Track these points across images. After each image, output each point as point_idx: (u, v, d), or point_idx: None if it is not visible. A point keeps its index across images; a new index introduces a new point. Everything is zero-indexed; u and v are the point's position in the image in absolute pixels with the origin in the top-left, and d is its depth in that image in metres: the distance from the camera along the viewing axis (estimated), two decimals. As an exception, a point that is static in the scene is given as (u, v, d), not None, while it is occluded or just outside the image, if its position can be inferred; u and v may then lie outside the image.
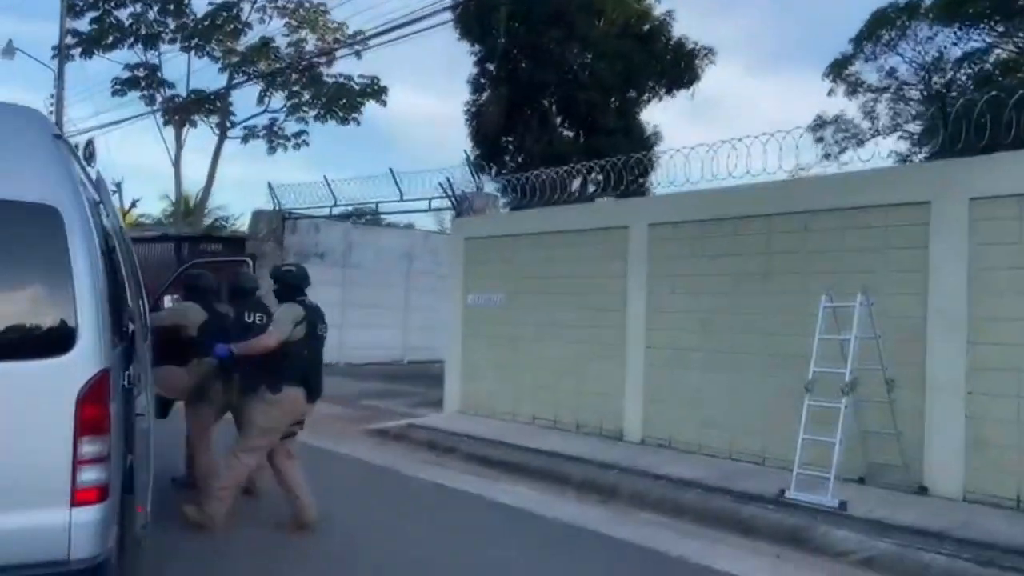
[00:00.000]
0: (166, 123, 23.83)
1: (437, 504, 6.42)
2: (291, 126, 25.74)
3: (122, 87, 22.65)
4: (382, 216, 17.48)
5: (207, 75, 38.90)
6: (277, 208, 16.84)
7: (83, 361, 3.00)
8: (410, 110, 58.15)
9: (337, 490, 6.55)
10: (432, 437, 9.36)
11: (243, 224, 34.90)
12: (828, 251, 7.35)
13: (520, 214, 10.72)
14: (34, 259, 3.05)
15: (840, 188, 7.52)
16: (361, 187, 15.13)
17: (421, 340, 20.18)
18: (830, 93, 27.63)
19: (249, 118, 24.55)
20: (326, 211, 16.48)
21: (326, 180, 15.50)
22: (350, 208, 16.33)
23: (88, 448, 2.97)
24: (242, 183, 54.54)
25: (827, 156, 29.69)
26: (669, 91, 24.98)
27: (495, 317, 10.74)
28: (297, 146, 26.46)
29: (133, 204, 23.53)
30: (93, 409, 3.00)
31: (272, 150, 26.41)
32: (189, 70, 22.67)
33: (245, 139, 25.83)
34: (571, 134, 25.64)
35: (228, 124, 23.89)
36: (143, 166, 51.75)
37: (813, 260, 7.44)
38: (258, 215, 16.83)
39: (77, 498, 2.95)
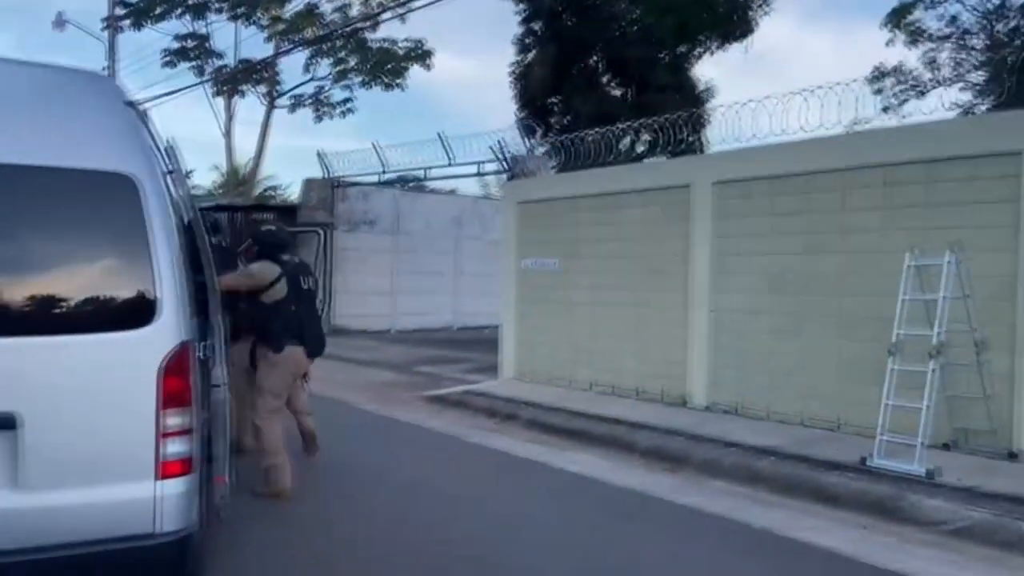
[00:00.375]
0: (216, 94, 23.91)
1: (507, 473, 6.27)
2: (337, 94, 25.67)
3: (172, 58, 22.74)
4: (425, 183, 17.27)
5: (255, 44, 39.00)
6: (327, 176, 16.78)
7: (164, 333, 2.95)
8: (453, 75, 57.68)
9: (408, 460, 6.48)
10: (491, 404, 9.24)
11: (292, 194, 35.24)
12: (909, 206, 6.93)
13: (575, 175, 10.42)
14: (111, 230, 2.97)
15: (922, 139, 7.05)
16: (410, 153, 14.98)
17: (471, 306, 20.10)
18: (889, 43, 26.41)
19: (296, 87, 24.52)
20: (375, 178, 16.36)
21: (375, 146, 15.39)
22: (399, 175, 16.16)
23: (172, 421, 2.94)
24: (288, 154, 54.86)
25: (886, 109, 28.53)
26: (722, 44, 24.15)
27: (550, 282, 10.52)
28: (343, 114, 26.37)
29: (187, 175, 23.70)
30: (175, 381, 2.96)
31: (319, 118, 26.38)
32: (237, 39, 22.66)
33: (293, 108, 25.83)
34: (619, 93, 25.06)
35: (275, 93, 23.87)
36: (194, 138, 52.31)
37: (893, 216, 7.03)
38: (309, 184, 16.80)
39: (162, 471, 2.91)
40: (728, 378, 8.37)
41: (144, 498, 2.88)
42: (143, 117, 3.36)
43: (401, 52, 22.68)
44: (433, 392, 10.22)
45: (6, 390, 2.76)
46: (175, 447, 2.94)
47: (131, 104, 3.20)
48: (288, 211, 19.12)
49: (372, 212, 17.90)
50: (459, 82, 62.26)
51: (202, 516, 3.21)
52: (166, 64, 22.98)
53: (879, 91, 28.19)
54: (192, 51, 22.99)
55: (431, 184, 21.76)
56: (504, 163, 11.74)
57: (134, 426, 2.89)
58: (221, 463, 3.44)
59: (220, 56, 23.41)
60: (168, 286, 2.95)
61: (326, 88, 25.39)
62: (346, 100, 25.73)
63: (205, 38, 22.76)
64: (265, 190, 30.56)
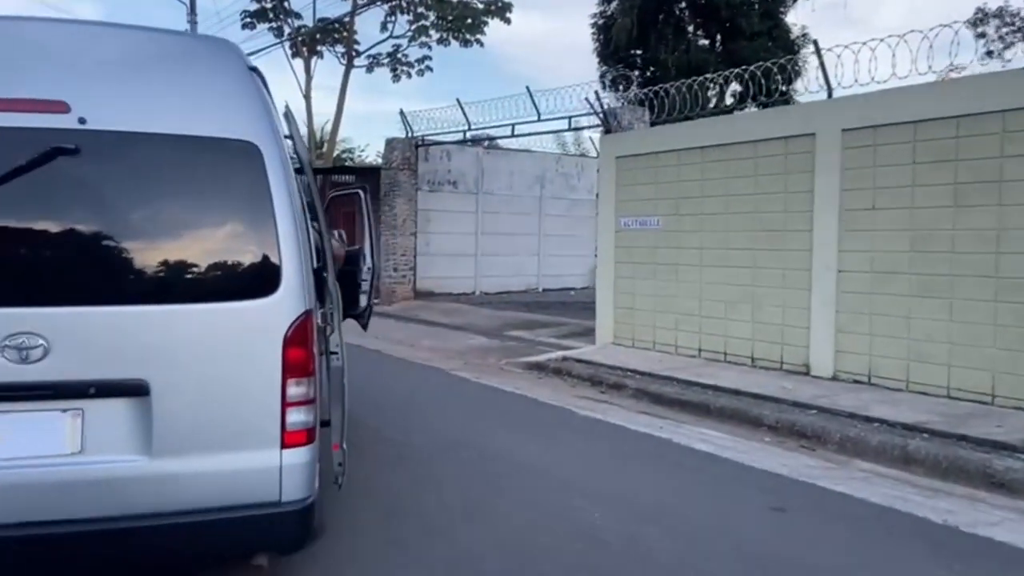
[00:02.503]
0: (294, 55, 23.73)
1: (631, 451, 5.74)
2: (414, 52, 25.18)
3: (251, 19, 22.59)
4: (512, 138, 16.69)
5: (332, 6, 38.74)
6: (409, 136, 16.38)
7: (288, 302, 2.90)
8: (521, 36, 56.46)
9: (525, 438, 6.04)
10: (594, 372, 8.74)
11: (367, 156, 35.19)
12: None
13: (680, 126, 9.68)
14: (236, 198, 2.92)
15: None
16: (494, 110, 14.39)
17: (555, 268, 19.61)
18: None
19: (374, 45, 24.11)
20: (456, 137, 15.86)
21: (459, 103, 14.84)
22: (483, 132, 15.62)
23: (295, 390, 2.91)
24: (358, 117, 54.98)
25: (989, 53, 26.54)
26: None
27: (652, 241, 9.88)
28: (420, 72, 25.84)
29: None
30: (299, 351, 2.92)
31: (396, 78, 25.94)
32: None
33: (370, 68, 25.45)
34: (707, 42, 23.80)
35: (354, 53, 23.54)
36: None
37: (1066, 162, 6.14)
38: (391, 144, 16.43)
39: (287, 440, 2.90)
40: (857, 345, 7.64)
41: (269, 467, 2.88)
42: (264, 83, 3.21)
43: (481, 7, 21.94)
44: (530, 359, 9.78)
45: (138, 358, 2.78)
46: (298, 416, 2.92)
47: (254, 70, 3.11)
48: (370, 172, 18.89)
49: (454, 172, 17.45)
50: (526, 43, 61.01)
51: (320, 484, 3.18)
52: (245, 26, 22.86)
53: (982, 35, 26.20)
54: (271, 11, 22.78)
55: (513, 141, 21.30)
56: (601, 116, 11.05)
57: (259, 395, 2.88)
58: (337, 431, 3.35)
59: (298, 16, 23.16)
60: (291, 255, 2.90)
61: (403, 47, 24.96)
62: (424, 58, 25.27)
63: (283, -3, 22.51)
64: (340, 153, 30.55)
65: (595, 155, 25.63)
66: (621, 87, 19.05)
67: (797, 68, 22.70)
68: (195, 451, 2.81)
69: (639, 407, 7.36)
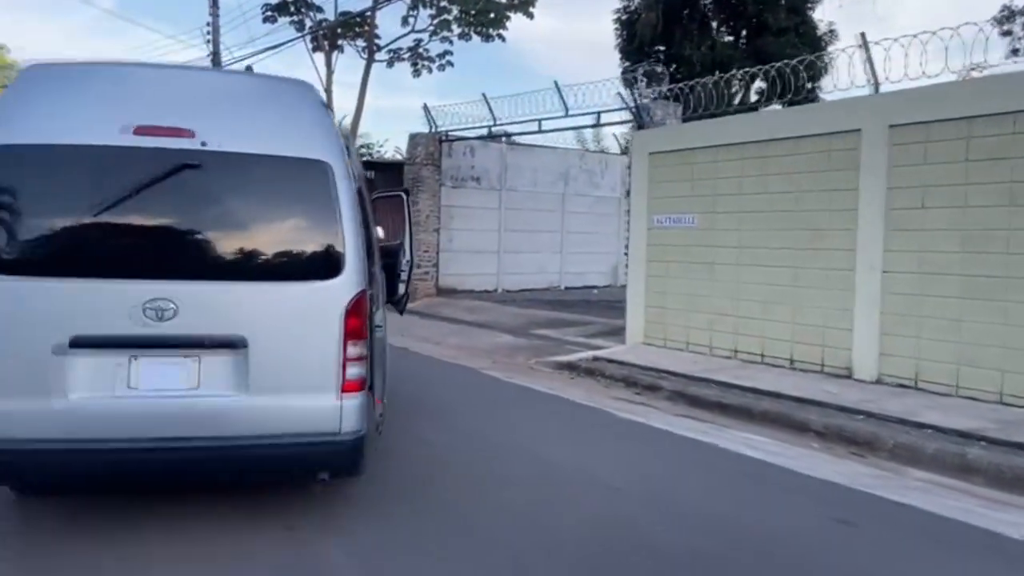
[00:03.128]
0: (315, 49, 23.63)
1: (680, 458, 5.55)
2: (435, 47, 25.03)
3: (272, 13, 22.49)
4: (513, 136, 16.44)
5: (353, 1, 38.62)
6: (433, 131, 16.21)
7: (348, 284, 3.80)
8: (540, 32, 56.14)
9: (567, 441, 5.87)
10: (627, 373, 8.55)
11: (386, 152, 35.08)
12: None
13: (717, 122, 9.47)
14: (312, 203, 3.81)
15: None
16: (519, 105, 14.20)
17: (578, 265, 19.41)
18: None
19: (395, 40, 23.96)
20: (478, 132, 15.68)
21: (484, 97, 14.67)
22: (505, 128, 15.41)
23: (352, 350, 3.79)
24: (376, 112, 54.95)
25: (1015, 51, 26.07)
26: (846, -19, 22.32)
27: (686, 239, 9.67)
28: (441, 67, 25.69)
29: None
30: (356, 321, 3.80)
31: (416, 73, 25.77)
32: (336, -6, 22.14)
33: (390, 63, 25.31)
34: (732, 38, 23.49)
35: (375, 47, 23.41)
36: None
37: None
38: (414, 139, 16.28)
39: (345, 388, 3.77)
40: (903, 348, 7.42)
41: (331, 407, 3.76)
42: (331, 112, 4.19)
43: (504, 1, 21.74)
44: (560, 358, 9.61)
45: (240, 320, 3.70)
46: (353, 370, 3.80)
47: (325, 105, 4.11)
48: (392, 167, 18.75)
49: (478, 167, 17.28)
50: (542, 39, 60.61)
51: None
52: (267, 19, 22.76)
53: (1007, 33, 25.74)
54: (292, 5, 22.67)
55: (536, 137, 21.10)
56: (634, 111, 10.84)
57: (325, 353, 3.76)
58: (379, 388, 4.32)
59: (320, 10, 23.03)
60: (351, 247, 3.81)
61: (424, 41, 24.81)
62: (445, 53, 25.11)
63: (305, -9, 22.38)
64: (359, 148, 30.45)
65: (617, 152, 25.39)
66: (652, 82, 18.83)
67: (823, 65, 22.40)
68: (278, 392, 3.72)
69: (677, 410, 7.16)
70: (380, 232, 5.94)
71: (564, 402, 7.27)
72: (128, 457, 3.61)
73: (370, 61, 23.89)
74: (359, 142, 30.12)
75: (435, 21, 22.47)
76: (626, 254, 11.93)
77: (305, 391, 3.75)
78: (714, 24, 22.65)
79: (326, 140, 3.88)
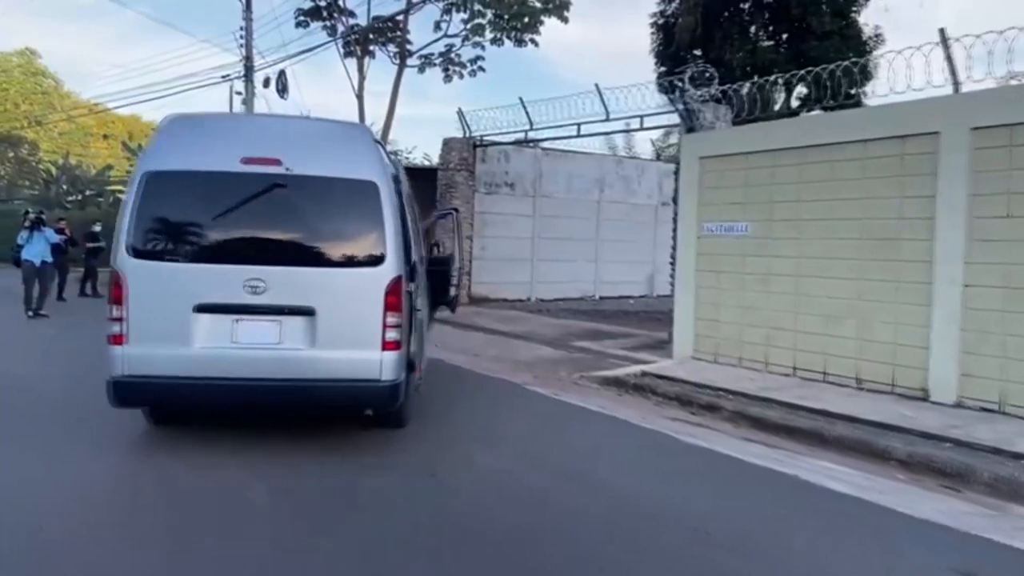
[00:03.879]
0: (346, 54, 23.40)
1: (760, 491, 4.96)
2: (467, 52, 24.71)
3: (305, 18, 22.28)
4: (538, 142, 15.93)
5: (385, 5, 38.44)
6: (467, 136, 15.80)
7: (389, 270, 5.28)
8: (566, 40, 55.66)
9: (631, 468, 5.38)
10: (680, 390, 8.03)
11: (415, 158, 34.83)
12: None
13: (775, 125, 8.94)
14: (364, 212, 5.33)
15: None
16: (558, 108, 13.74)
17: (613, 274, 18.90)
18: None
19: (427, 45, 23.70)
20: (518, 137, 15.24)
21: (521, 101, 14.26)
22: (540, 134, 14.95)
23: (391, 319, 5.23)
24: (400, 120, 54.86)
25: None
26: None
27: (739, 248, 9.14)
28: (473, 72, 25.36)
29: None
30: (394, 297, 5.28)
31: (448, 78, 25.47)
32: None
33: (422, 68, 25.03)
34: (772, 43, 22.84)
35: (406, 52, 23.13)
36: (325, 102, 53.22)
37: None
38: (448, 144, 15.88)
39: (384, 347, 5.20)
40: (986, 368, 6.83)
41: (375, 360, 5.19)
42: (382, 145, 5.88)
43: (538, 4, 21.34)
44: (605, 373, 9.10)
45: (310, 295, 5.20)
46: (391, 334, 5.23)
47: (377, 141, 5.73)
48: (425, 173, 18.40)
49: (512, 173, 16.86)
50: (565, 47, 60.19)
51: (407, 385, 5.54)
52: (299, 24, 22.56)
53: None
54: (324, 10, 22.46)
55: (569, 143, 20.62)
56: (684, 113, 10.33)
57: (371, 320, 5.21)
58: (418, 358, 5.98)
59: (352, 15, 22.80)
60: (391, 243, 5.31)
61: (456, 46, 24.49)
62: (477, 59, 24.77)
63: (337, -5, 22.16)
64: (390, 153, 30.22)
65: (649, 158, 24.81)
66: (700, 84, 18.22)
67: (868, 70, 21.66)
68: (337, 347, 5.19)
69: (740, 432, 6.63)
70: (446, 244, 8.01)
71: (618, 423, 6.75)
72: (231, 390, 5.19)
73: (402, 66, 23.60)
74: (388, 148, 29.92)
75: (468, 26, 22.14)
76: (670, 263, 11.43)
77: (356, 347, 5.23)
78: (755, 27, 22.02)
79: (375, 166, 5.46)
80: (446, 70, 25.34)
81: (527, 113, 14.20)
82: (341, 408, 5.70)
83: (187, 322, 5.16)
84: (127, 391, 5.23)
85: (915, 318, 7.35)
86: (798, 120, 8.68)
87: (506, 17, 21.09)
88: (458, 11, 21.49)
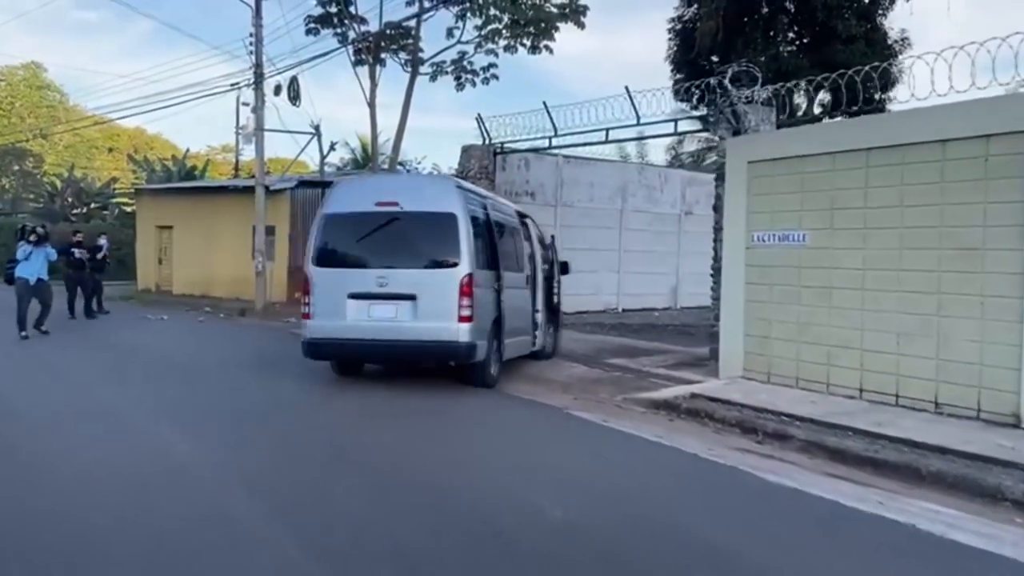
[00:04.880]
0: (357, 62, 22.83)
1: (870, 543, 4.19)
2: (479, 59, 24.14)
3: (315, 25, 21.74)
4: (577, 146, 15.32)
5: (397, 11, 37.89)
6: (487, 143, 15.16)
7: (462, 270, 8.17)
8: (570, 51, 55.07)
9: (715, 513, 4.69)
10: (739, 415, 7.32)
11: (424, 168, 34.25)
12: None
13: (834, 126, 8.30)
14: (448, 234, 8.22)
15: None
16: (583, 113, 13.06)
17: (636, 286, 18.21)
18: None
19: (439, 52, 23.12)
20: (541, 144, 14.57)
21: (545, 106, 13.58)
22: (568, 139, 14.29)
23: (463, 301, 8.08)
24: (410, 130, 54.37)
25: None
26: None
27: (795, 259, 8.45)
28: (486, 80, 24.79)
29: (332, 148, 22.83)
30: (466, 288, 8.11)
31: (460, 86, 24.92)
32: (382, 7, 21.31)
33: (434, 76, 24.47)
34: (793, 48, 22.22)
35: (419, 60, 22.53)
36: (335, 111, 52.82)
37: None
38: (468, 151, 15.22)
39: (459, 320, 8.09)
40: (1091, 393, 6.12)
41: (454, 327, 8.11)
42: (466, 190, 8.92)
43: (555, 11, 20.76)
44: (650, 395, 8.40)
45: (414, 287, 8.25)
46: (464, 311, 8.09)
47: (459, 185, 8.85)
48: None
49: (532, 182, 16.21)
50: (568, 58, 59.79)
51: (492, 353, 8.73)
52: (309, 31, 22.02)
53: None
54: (335, 16, 21.90)
55: (588, 150, 19.94)
56: (729, 116, 9.67)
57: (451, 302, 8.10)
58: (540, 329, 10.45)
59: (363, 21, 22.23)
60: (464, 253, 8.21)
61: (469, 54, 23.92)
62: (490, 66, 24.19)
63: (348, 1, 21.59)
64: (400, 163, 29.59)
65: (662, 165, 24.10)
66: (759, 82, 17.48)
67: (894, 76, 20.96)
68: (431, 319, 8.11)
69: (820, 466, 5.92)
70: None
71: (682, 455, 6.04)
72: (368, 346, 8.39)
73: (414, 74, 23.03)
74: (400, 157, 29.28)
75: (483, 32, 21.56)
76: (711, 275, 10.74)
77: (442, 319, 8.10)
78: (778, 32, 21.41)
79: (456, 204, 8.36)
80: (458, 78, 24.78)
81: (551, 118, 13.54)
82: (434, 359, 8.85)
83: (343, 304, 8.42)
84: (312, 347, 8.67)
85: (1005, 336, 6.64)
86: (863, 120, 8.01)
87: (522, 23, 20.52)
88: (473, 16, 20.90)
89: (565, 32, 21.88)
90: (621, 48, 66.66)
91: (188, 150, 43.29)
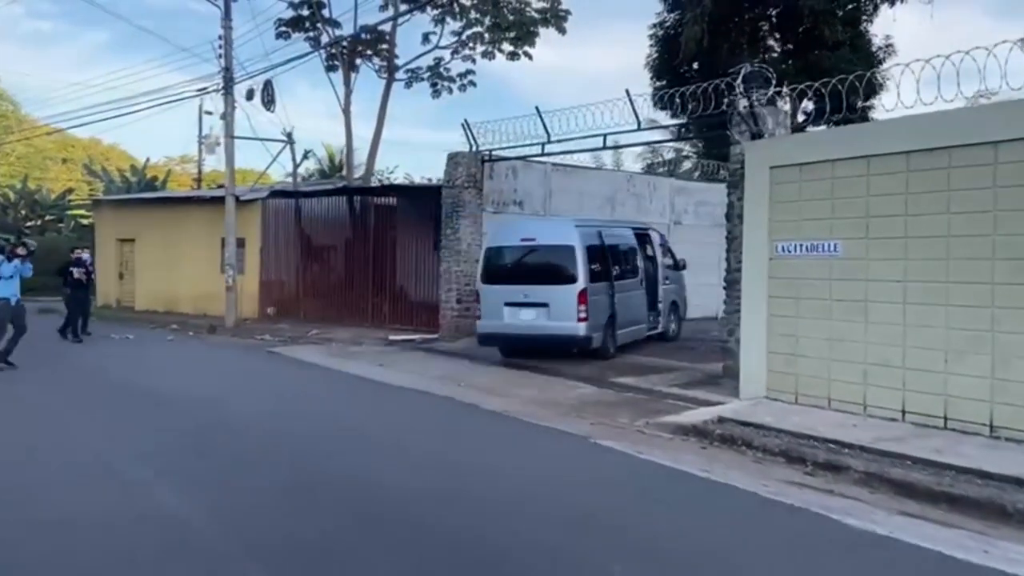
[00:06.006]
0: (329, 68, 21.99)
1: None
2: (456, 66, 23.50)
3: (286, 28, 20.86)
4: (569, 153, 14.68)
5: (371, 17, 37.02)
6: (475, 150, 14.45)
7: (579, 285, 11.34)
8: (537, 64, 54.66)
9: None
10: (780, 442, 6.69)
11: (396, 178, 33.40)
12: None
13: (869, 127, 7.80)
14: (569, 260, 11.47)
15: None
16: (575, 119, 12.41)
17: (625, 298, 17.56)
18: None
19: (415, 58, 22.42)
20: (533, 151, 13.91)
21: (538, 111, 12.94)
22: (560, 145, 13.64)
23: (580, 307, 11.31)
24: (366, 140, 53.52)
25: None
26: (899, -8, 20.84)
27: (826, 271, 7.89)
28: (463, 87, 24.21)
29: (306, 155, 21.90)
30: (583, 297, 11.31)
31: (436, 94, 24.31)
32: (356, 11, 20.52)
33: (409, 83, 23.81)
34: (778, 54, 21.95)
35: (394, 66, 21.77)
36: (301, 121, 51.64)
37: None
38: (454, 159, 14.48)
39: (578, 320, 11.32)
40: None
41: (574, 326, 11.38)
42: (582, 224, 12.33)
43: (537, 16, 20.17)
44: (673, 419, 7.77)
45: (546, 297, 11.60)
46: (581, 315, 11.32)
47: (578, 224, 12.16)
48: (427, 192, 17.04)
49: (520, 191, 15.52)
50: (532, 70, 59.27)
51: (608, 339, 12.02)
52: (280, 35, 21.14)
53: None
54: (307, 20, 21.05)
55: (576, 158, 19.33)
56: (749, 119, 9.10)
57: (572, 307, 11.33)
58: (664, 316, 14.14)
59: (337, 25, 21.42)
60: (580, 273, 11.39)
61: (445, 60, 23.26)
62: (467, 72, 23.55)
63: (321, 4, 20.77)
64: (375, 176, 28.70)
65: (634, 169, 23.59)
66: (773, 83, 16.97)
67: (880, 82, 20.66)
68: (559, 320, 11.48)
69: (884, 501, 5.31)
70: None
71: (743, 496, 5.36)
72: (518, 338, 11.84)
73: (390, 80, 22.30)
74: (361, 169, 28.37)
75: (463, 36, 20.91)
76: (724, 288, 10.17)
77: (566, 320, 11.28)
78: (764, 37, 21.11)
79: (574, 237, 11.48)
80: (434, 85, 24.13)
81: (544, 124, 12.89)
82: (562, 348, 11.67)
83: (501, 309, 11.74)
84: (483, 338, 12.21)
85: (1072, 353, 6.11)
86: (904, 120, 7.47)
87: (504, 26, 19.89)
88: (455, 19, 20.22)
89: (531, 47, 21.35)
90: (584, 63, 66.58)
91: (148, 160, 41.80)
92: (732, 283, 9.79)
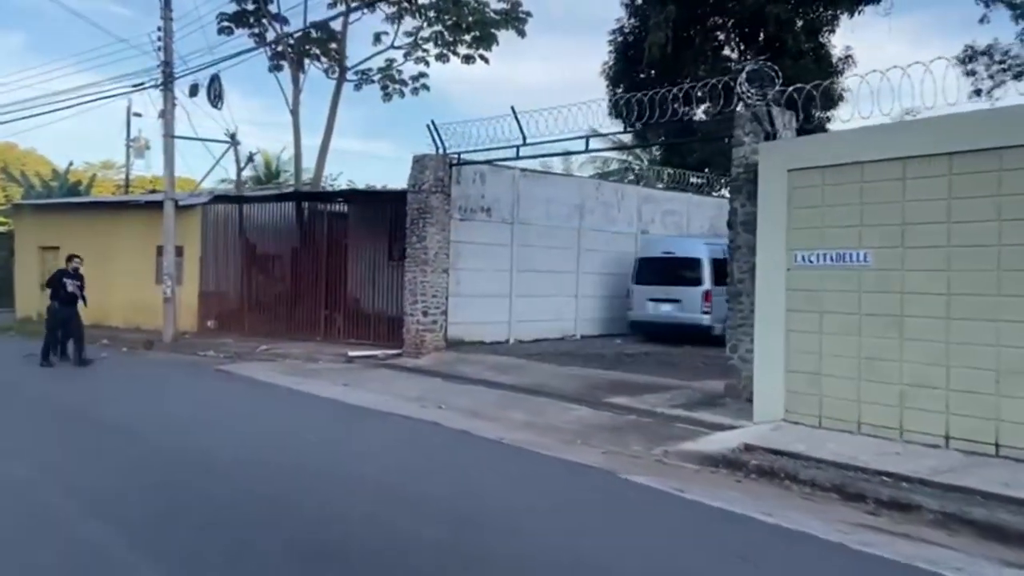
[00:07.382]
0: (274, 67, 20.74)
1: None
2: (409, 68, 22.54)
3: (228, 23, 19.55)
4: (499, 161, 13.92)
5: (320, 14, 35.51)
6: (442, 153, 13.50)
7: (704, 287, 14.92)
8: (472, 75, 54.08)
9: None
10: (829, 475, 5.98)
11: (340, 185, 32.06)
12: None
13: (900, 126, 7.20)
14: (697, 268, 15.15)
15: None
16: (554, 121, 11.61)
17: (592, 311, 16.90)
18: (983, 20, 23.57)
19: (365, 60, 21.36)
20: (506, 154, 13.06)
21: (513, 111, 12.07)
22: (535, 148, 12.85)
23: (704, 303, 15.01)
24: (307, 149, 51.90)
25: (978, 92, 25.31)
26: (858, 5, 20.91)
27: (854, 283, 7.26)
28: (415, 90, 23.27)
29: (250, 158, 20.51)
30: (707, 296, 14.80)
31: (387, 97, 23.29)
32: (306, 6, 19.38)
33: (358, 85, 22.72)
34: (745, 62, 21.72)
35: (346, 66, 20.66)
36: (245, 124, 49.59)
37: None
38: (421, 161, 13.47)
39: (703, 313, 14.88)
40: None
41: (701, 317, 14.95)
42: (708, 241, 15.61)
43: (496, 18, 19.39)
44: (694, 447, 7.02)
45: (680, 295, 15.25)
46: (705, 309, 14.85)
47: (706, 242, 15.65)
48: (389, 197, 16.01)
49: (488, 197, 14.64)
50: (462, 81, 58.52)
51: (727, 330, 9.82)
52: (222, 31, 19.80)
53: (971, 73, 25.00)
54: (251, 15, 19.79)
55: (556, 160, 18.57)
56: (761, 118, 8.44)
57: (699, 303, 14.95)
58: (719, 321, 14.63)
59: (284, 21, 20.20)
60: (705, 278, 14.91)
61: (397, 61, 22.27)
62: (420, 75, 22.61)
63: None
64: (324, 181, 27.37)
65: (576, 175, 23.01)
66: (759, 86, 16.42)
67: (840, 93, 20.58)
68: (689, 313, 15.09)
69: (971, 545, 4.64)
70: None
71: (816, 543, 4.55)
72: (658, 325, 15.59)
73: (341, 79, 21.19)
74: (306, 175, 27.07)
75: (418, 35, 19.96)
76: (727, 300, 9.49)
77: (695, 313, 14.97)
78: (728, 46, 20.80)
79: (702, 250, 15.21)
80: (385, 88, 23.11)
81: (520, 125, 12.05)
82: (690, 334, 14.73)
83: (646, 303, 15.49)
84: (633, 325, 15.94)
85: None
86: (942, 119, 6.90)
87: (463, 26, 19.02)
88: (413, 17, 19.25)
89: (476, 63, 20.62)
90: (518, 73, 66.21)
91: (72, 164, 39.31)
92: (735, 295, 9.12)
